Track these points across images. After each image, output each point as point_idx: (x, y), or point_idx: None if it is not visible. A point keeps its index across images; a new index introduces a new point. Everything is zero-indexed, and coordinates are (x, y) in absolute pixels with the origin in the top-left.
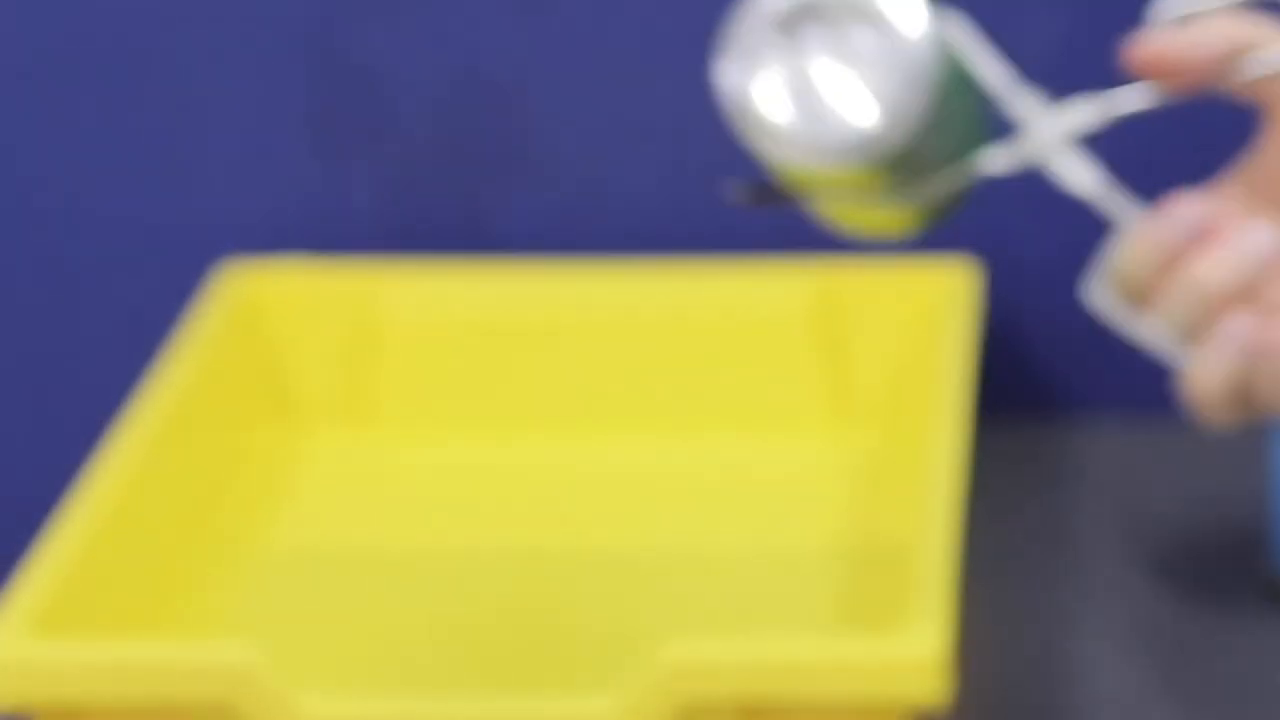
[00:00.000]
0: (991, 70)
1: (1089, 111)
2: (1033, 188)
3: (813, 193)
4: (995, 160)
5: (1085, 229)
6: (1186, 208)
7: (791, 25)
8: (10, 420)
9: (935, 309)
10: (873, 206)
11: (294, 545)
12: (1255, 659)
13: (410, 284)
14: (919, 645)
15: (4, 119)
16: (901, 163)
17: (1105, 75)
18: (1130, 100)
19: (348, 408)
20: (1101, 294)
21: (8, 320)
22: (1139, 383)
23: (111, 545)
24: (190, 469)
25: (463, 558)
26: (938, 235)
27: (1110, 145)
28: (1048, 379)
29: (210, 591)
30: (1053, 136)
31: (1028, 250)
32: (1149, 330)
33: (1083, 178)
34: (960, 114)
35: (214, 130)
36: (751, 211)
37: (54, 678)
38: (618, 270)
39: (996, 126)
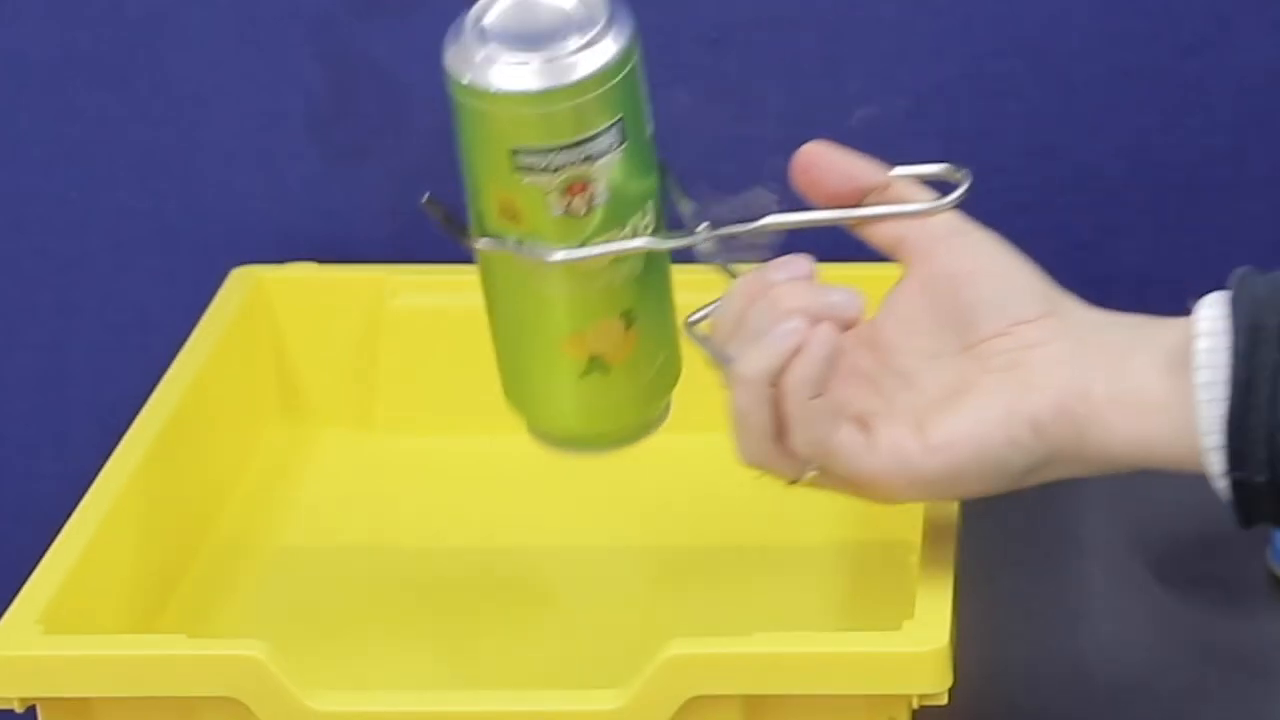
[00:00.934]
0: (670, 179)
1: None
2: (1027, 200)
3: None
4: (661, 240)
5: (1077, 235)
6: (797, 258)
7: None
8: (24, 420)
9: None
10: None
11: (300, 543)
12: (1259, 653)
13: (418, 286)
14: (921, 641)
15: (22, 124)
16: (584, 108)
17: None
18: (767, 216)
19: (356, 409)
20: (697, 328)
21: (20, 322)
22: None
23: (120, 542)
24: (199, 468)
25: (467, 555)
26: None
27: None
28: None
29: (218, 588)
30: (701, 227)
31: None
32: (726, 353)
33: (710, 251)
34: (639, 154)
35: (224, 135)
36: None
37: (63, 674)
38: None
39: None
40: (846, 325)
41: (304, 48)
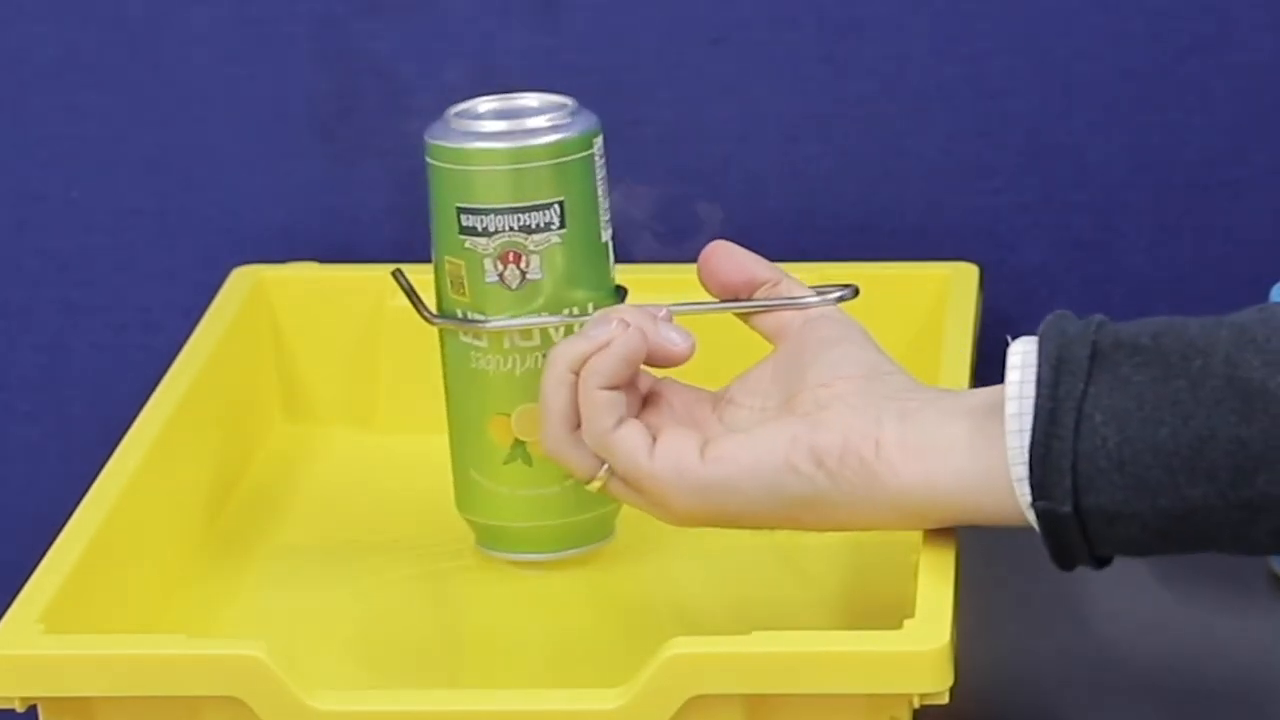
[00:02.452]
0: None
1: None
2: (1027, 200)
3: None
4: (574, 317)
5: (1072, 237)
6: (658, 306)
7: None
8: (24, 420)
9: (933, 311)
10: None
11: (300, 543)
12: (1259, 653)
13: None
14: (921, 641)
15: (23, 124)
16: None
17: None
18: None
19: (356, 409)
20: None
21: (20, 322)
22: None
23: (121, 542)
24: (200, 467)
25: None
26: (935, 243)
27: None
28: None
29: (219, 587)
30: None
31: (1020, 256)
32: None
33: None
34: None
35: (225, 135)
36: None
37: (64, 673)
38: (620, 273)
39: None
40: (673, 361)
41: (304, 48)
